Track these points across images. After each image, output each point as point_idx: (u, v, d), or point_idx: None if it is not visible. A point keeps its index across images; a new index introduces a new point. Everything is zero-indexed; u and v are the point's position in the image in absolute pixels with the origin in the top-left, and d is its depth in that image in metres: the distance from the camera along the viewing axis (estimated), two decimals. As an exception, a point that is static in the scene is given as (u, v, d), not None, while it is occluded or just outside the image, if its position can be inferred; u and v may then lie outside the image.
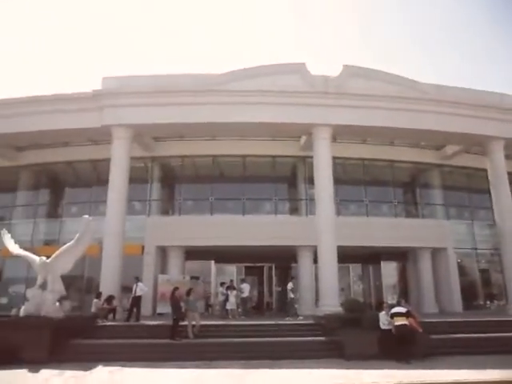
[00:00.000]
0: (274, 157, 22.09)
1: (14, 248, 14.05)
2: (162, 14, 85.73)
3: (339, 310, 14.36)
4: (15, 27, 79.51)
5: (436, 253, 21.92)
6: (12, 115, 19.08)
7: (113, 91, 18.47)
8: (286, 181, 23.36)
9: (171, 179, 22.91)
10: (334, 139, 19.69)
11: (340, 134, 19.73)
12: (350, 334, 11.60)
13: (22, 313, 12.74)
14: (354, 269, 23.17)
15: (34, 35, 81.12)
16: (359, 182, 22.69)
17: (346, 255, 18.74)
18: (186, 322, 12.96)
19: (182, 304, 13.19)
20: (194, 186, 22.42)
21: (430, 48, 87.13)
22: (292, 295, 17.18)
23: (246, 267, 22.51)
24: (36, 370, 10.01)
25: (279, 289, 22.92)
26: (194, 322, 12.95)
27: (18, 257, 14.54)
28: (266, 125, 18.52)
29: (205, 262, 21.43)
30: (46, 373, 9.84)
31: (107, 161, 18.68)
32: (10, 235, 14.53)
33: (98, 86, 19.00)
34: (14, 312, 14.55)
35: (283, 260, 22.15)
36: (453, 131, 19.18)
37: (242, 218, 20.88)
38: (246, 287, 18.21)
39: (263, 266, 23.05)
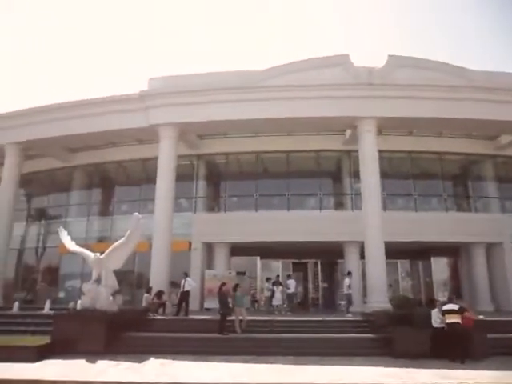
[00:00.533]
0: (318, 151, 21.89)
1: (70, 245, 14.77)
2: (202, 13, 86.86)
3: (388, 306, 14.04)
4: (63, 33, 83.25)
5: (491, 248, 20.92)
6: (65, 118, 20.11)
7: (159, 91, 18.97)
8: (331, 175, 23.09)
9: (216, 176, 23.25)
10: (380, 132, 19.22)
11: (386, 126, 19.22)
12: (401, 332, 11.32)
13: (78, 306, 13.39)
14: (403, 264, 22.58)
15: (82, 41, 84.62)
16: (407, 175, 22.04)
17: (394, 251, 18.28)
18: (233, 317, 13.13)
19: (230, 299, 13.37)
20: (238, 183, 22.63)
21: (457, 33, 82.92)
22: (350, 291, 16.77)
23: (292, 263, 22.51)
24: (93, 361, 10.50)
25: (325, 285, 22.74)
26: (241, 317, 13.10)
27: (73, 253, 15.29)
28: (309, 119, 18.37)
29: (250, 258, 21.64)
30: (102, 364, 10.30)
31: (155, 159, 19.23)
32: (66, 232, 15.27)
33: (144, 87, 19.63)
34: (71, 305, 15.34)
35: (329, 256, 21.95)
36: (508, 120, 18.15)
37: (287, 214, 20.85)
38: (292, 283, 18.19)
39: (308, 262, 22.95)
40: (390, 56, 18.38)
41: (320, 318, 14.48)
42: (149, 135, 20.14)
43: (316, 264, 22.97)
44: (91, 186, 24.91)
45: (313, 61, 18.57)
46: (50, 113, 20.59)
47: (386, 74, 18.06)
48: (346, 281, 16.85)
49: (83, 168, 24.82)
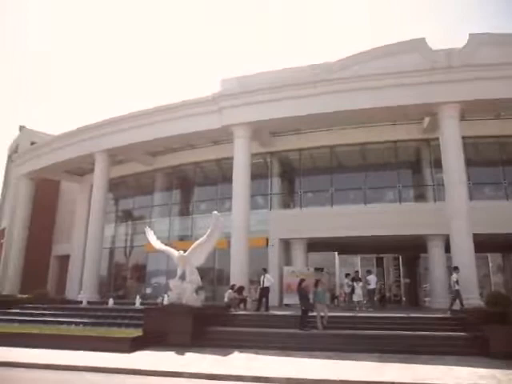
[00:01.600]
0: (395, 142, 21.01)
1: (156, 243, 15.66)
2: (266, 12, 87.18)
3: (479, 303, 13.13)
4: (136, 42, 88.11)
5: None
6: (145, 124, 21.39)
7: (230, 92, 19.42)
8: (410, 166, 22.05)
9: (290, 173, 23.27)
10: (463, 117, 17.98)
11: (469, 110, 17.93)
12: (497, 330, 10.54)
13: (166, 301, 14.14)
14: (494, 258, 20.96)
15: (155, 49, 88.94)
16: (495, 162, 20.41)
17: (484, 244, 17.05)
18: (314, 313, 13.08)
19: (310, 295, 13.34)
20: (313, 178, 22.45)
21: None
22: (457, 287, 15.56)
23: (371, 258, 21.91)
24: (182, 353, 11.05)
25: (407, 280, 21.84)
26: (322, 314, 13.01)
27: (159, 251, 16.19)
28: (385, 109, 17.70)
29: (328, 254, 21.40)
30: (190, 356, 10.80)
31: (230, 159, 19.73)
32: (152, 232, 16.21)
33: (216, 89, 20.21)
34: (159, 300, 16.23)
35: (410, 250, 21.03)
36: None
37: (364, 208, 20.30)
38: (372, 279, 17.70)
39: (388, 257, 22.19)
40: (471, 35, 17.12)
41: (404, 315, 13.93)
42: (223, 135, 20.72)
43: (396, 259, 22.15)
44: (172, 188, 26.17)
45: (386, 48, 17.87)
46: (131, 120, 22.02)
47: (467, 54, 16.85)
48: (454, 276, 15.66)
49: (164, 170, 26.16)
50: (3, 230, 34.44)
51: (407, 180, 21.50)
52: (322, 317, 12.98)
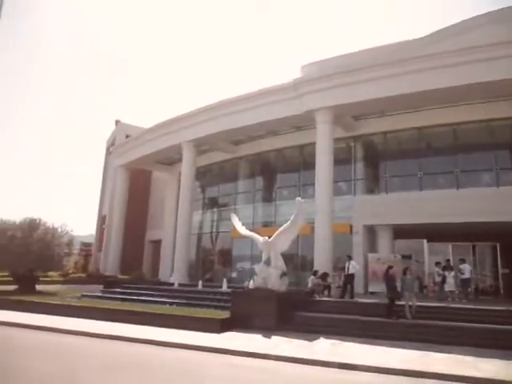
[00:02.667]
0: (489, 121, 19.28)
1: (241, 229, 16.17)
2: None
3: None
4: (218, 35, 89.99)
5: None
6: (230, 113, 22.07)
7: (311, 77, 19.22)
8: (508, 147, 20.13)
9: (375, 157, 22.49)
10: None
11: None
12: None
13: (251, 285, 14.59)
14: None
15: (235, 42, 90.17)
16: None
17: None
18: (402, 302, 12.66)
19: (398, 283, 12.91)
20: (399, 162, 21.46)
21: None
22: None
23: (463, 246, 20.50)
24: (268, 336, 11.36)
25: (506, 271, 20.14)
26: (410, 303, 12.55)
27: (244, 237, 16.68)
28: (477, 85, 16.28)
29: (416, 241, 20.39)
30: (276, 339, 11.07)
31: (312, 145, 19.61)
32: (238, 218, 16.72)
33: (296, 75, 20.11)
34: (245, 284, 16.78)
35: (510, 238, 19.29)
36: None
37: (456, 193, 19.02)
38: (466, 268, 16.58)
39: (484, 245, 20.59)
40: None
41: (503, 308, 12.92)
42: (305, 121, 20.62)
43: (494, 247, 20.47)
44: (255, 175, 26.69)
45: (471, 21, 16.39)
46: (214, 111, 22.81)
47: None
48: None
49: (246, 158, 26.75)
50: (104, 216, 37.80)
51: (505, 162, 19.64)
52: (410, 306, 12.52)
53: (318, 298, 15.16)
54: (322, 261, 17.62)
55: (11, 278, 21.53)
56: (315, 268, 17.20)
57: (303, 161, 23.58)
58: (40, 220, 20.74)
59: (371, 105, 18.78)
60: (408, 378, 7.84)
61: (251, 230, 17.00)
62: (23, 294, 17.81)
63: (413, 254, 19.88)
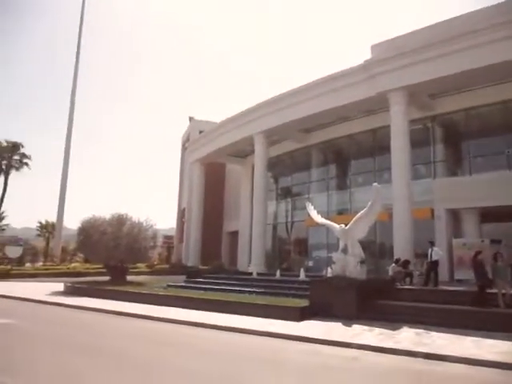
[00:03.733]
0: None
1: (316, 217, 16.08)
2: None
3: None
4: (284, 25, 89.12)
5: None
6: (298, 102, 21.92)
7: (382, 57, 18.41)
8: None
9: (455, 137, 21.09)
10: None
11: None
12: None
13: (329, 274, 14.49)
14: None
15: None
16: None
17: None
18: (493, 290, 11.83)
19: (487, 269, 12.08)
20: (483, 141, 19.93)
21: None
22: None
23: None
24: (348, 325, 11.24)
25: None
26: (504, 291, 11.69)
27: (319, 225, 16.57)
28: None
29: (507, 224, 18.89)
30: (357, 328, 10.91)
31: (386, 128, 18.88)
32: (312, 207, 16.64)
33: (365, 57, 19.38)
34: (323, 273, 16.73)
35: None
36: None
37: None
38: None
39: None
40: None
41: None
42: (377, 104, 19.88)
43: None
44: (327, 162, 26.35)
45: None
46: (284, 100, 22.81)
47: None
48: None
49: (318, 146, 26.46)
50: (183, 210, 39.60)
51: None
52: (503, 294, 11.66)
53: (399, 286, 14.67)
54: (402, 248, 16.99)
55: (105, 270, 23.45)
56: (395, 255, 16.65)
57: (377, 145, 22.77)
58: (127, 215, 22.26)
59: (450, 81, 17.58)
60: (501, 370, 7.35)
61: (327, 218, 16.84)
62: (116, 284, 19.31)
63: (504, 239, 18.45)
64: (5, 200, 40.75)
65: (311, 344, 9.46)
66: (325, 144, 25.93)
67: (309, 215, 16.87)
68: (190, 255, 31.66)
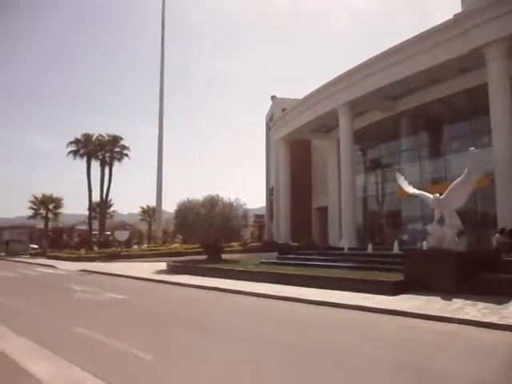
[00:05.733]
0: None
1: (408, 188, 15.36)
2: None
3: None
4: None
5: None
6: (382, 69, 20.88)
7: (476, 7, 16.70)
8: None
9: None
10: None
11: None
12: None
13: (425, 246, 13.85)
14: None
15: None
16: None
17: None
18: None
19: None
20: None
21: None
22: None
23: None
24: (448, 299, 10.69)
25: None
26: None
27: (412, 197, 15.82)
28: None
29: None
30: (457, 302, 10.35)
31: (483, 87, 17.22)
32: (403, 178, 15.90)
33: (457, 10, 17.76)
34: (418, 246, 16.06)
35: None
36: None
37: None
38: None
39: None
40: None
41: None
42: (472, 61, 18.14)
43: None
44: (418, 130, 24.85)
45: None
46: (369, 67, 21.87)
47: None
48: None
49: (407, 113, 25.00)
50: (271, 189, 40.26)
51: None
52: None
53: (505, 258, 13.55)
54: (506, 216, 15.61)
55: (201, 249, 24.89)
56: (500, 225, 15.36)
57: (473, 107, 20.87)
58: (218, 196, 23.30)
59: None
60: None
61: (419, 189, 16.01)
62: (212, 263, 20.43)
63: None
64: (111, 189, 44.74)
65: (407, 318, 9.20)
66: (414, 110, 24.40)
67: (400, 187, 16.17)
68: (281, 233, 32.22)
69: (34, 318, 9.95)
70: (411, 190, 15.28)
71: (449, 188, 13.18)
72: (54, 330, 8.43)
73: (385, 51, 21.02)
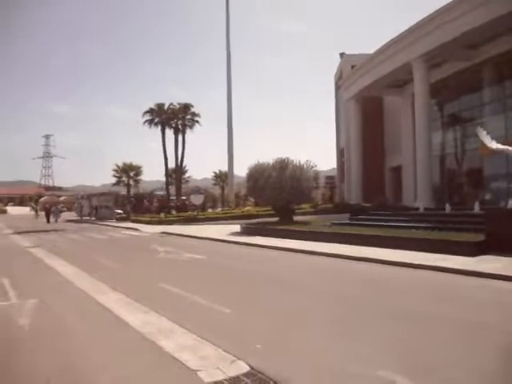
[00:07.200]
0: None
1: (491, 144, 14.33)
2: None
3: None
4: None
5: None
6: (458, 16, 19.23)
7: None
8: None
9: None
10: None
11: None
12: None
13: (510, 205, 13.03)
14: None
15: None
16: None
17: None
18: None
19: None
20: None
21: None
22: None
23: None
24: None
25: None
26: None
27: (495, 153, 14.77)
28: None
29: None
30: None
31: None
32: (485, 132, 14.83)
33: None
34: (502, 205, 15.13)
35: None
36: None
37: None
38: None
39: None
40: None
41: None
42: None
43: None
44: (503, 79, 22.71)
45: None
46: (446, 14, 20.14)
47: None
48: None
49: (490, 61, 22.86)
50: (342, 149, 39.51)
51: None
52: None
53: None
54: None
55: (273, 211, 25.39)
56: None
57: None
58: (288, 159, 23.33)
59: None
60: None
61: (504, 144, 14.87)
62: (284, 224, 20.84)
63: None
64: (185, 155, 46.58)
65: (489, 279, 8.92)
66: (499, 57, 22.18)
67: (482, 142, 15.13)
68: (352, 193, 31.79)
69: (125, 275, 11.02)
70: (495, 145, 14.25)
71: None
72: (143, 286, 9.33)
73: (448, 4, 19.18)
